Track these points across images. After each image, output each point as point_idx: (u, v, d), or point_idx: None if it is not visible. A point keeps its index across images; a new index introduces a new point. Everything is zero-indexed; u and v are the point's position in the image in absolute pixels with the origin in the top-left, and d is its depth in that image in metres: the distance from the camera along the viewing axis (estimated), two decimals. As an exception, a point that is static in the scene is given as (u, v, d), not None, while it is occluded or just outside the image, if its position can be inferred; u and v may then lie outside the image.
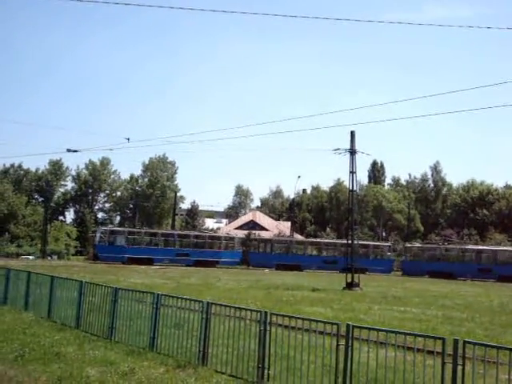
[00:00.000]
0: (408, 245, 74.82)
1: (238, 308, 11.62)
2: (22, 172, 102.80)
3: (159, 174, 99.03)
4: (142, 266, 55.14)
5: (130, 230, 67.54)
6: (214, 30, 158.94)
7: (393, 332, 9.19)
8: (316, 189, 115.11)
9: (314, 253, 71.51)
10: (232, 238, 70.37)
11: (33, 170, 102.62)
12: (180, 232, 70.86)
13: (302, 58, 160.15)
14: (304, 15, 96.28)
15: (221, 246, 67.55)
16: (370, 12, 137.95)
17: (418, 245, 74.77)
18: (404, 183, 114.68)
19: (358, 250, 46.69)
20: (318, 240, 78.34)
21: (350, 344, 9.05)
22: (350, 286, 37.72)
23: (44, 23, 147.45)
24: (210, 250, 65.70)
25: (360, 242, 72.68)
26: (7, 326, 15.04)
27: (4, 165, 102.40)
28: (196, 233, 71.12)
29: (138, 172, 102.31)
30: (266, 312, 10.56)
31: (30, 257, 69.80)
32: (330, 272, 63.75)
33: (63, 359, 11.48)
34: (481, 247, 71.17)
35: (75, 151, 43.41)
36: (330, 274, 59.81)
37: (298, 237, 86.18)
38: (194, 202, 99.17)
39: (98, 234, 64.77)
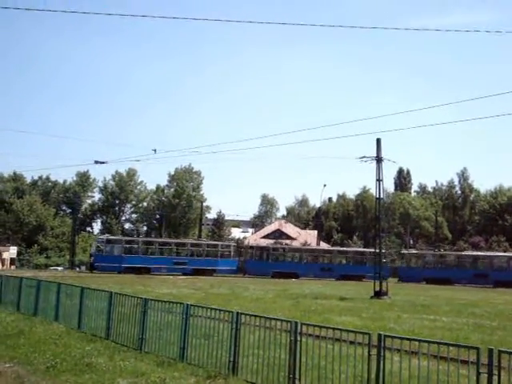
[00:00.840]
0: (404, 251, 75.22)
1: (268, 318, 11.59)
2: (50, 184, 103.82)
3: (185, 184, 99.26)
4: (164, 276, 55.37)
5: (127, 238, 66.85)
6: (236, 40, 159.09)
7: (425, 341, 9.09)
8: (342, 197, 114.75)
9: (311, 261, 70.01)
10: (228, 246, 69.12)
11: (61, 181, 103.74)
12: (177, 240, 71.01)
13: (325, 66, 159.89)
14: (330, 24, 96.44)
15: (217, 254, 66.20)
16: (398, 19, 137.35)
17: (413, 251, 74.75)
18: (431, 190, 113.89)
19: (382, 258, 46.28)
20: (314, 247, 77.67)
21: (381, 354, 8.97)
22: (378, 294, 37.43)
23: (76, 36, 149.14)
24: (208, 259, 64.57)
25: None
26: (38, 337, 15.17)
27: (32, 177, 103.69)
28: (193, 241, 70.61)
29: (164, 182, 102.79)
30: (296, 322, 10.51)
31: (59, 268, 70.38)
32: (327, 279, 63.26)
33: (94, 370, 11.53)
34: (477, 253, 71.81)
35: (103, 163, 43.82)
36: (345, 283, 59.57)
37: (324, 245, 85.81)
38: (220, 212, 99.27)
39: (94, 243, 63.88)
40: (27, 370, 11.52)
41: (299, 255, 70.68)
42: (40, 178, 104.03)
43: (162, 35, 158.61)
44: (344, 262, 69.88)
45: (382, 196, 42.05)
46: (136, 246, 62.70)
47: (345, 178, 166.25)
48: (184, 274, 60.00)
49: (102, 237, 64.40)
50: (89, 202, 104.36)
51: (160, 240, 69.38)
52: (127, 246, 62.30)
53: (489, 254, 69.50)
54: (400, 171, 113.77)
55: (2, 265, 61.81)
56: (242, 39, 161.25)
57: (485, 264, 66.47)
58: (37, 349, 13.47)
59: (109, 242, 62.54)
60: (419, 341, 9.09)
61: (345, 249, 75.67)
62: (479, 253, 71.65)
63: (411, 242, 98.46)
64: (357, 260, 69.39)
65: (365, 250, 75.03)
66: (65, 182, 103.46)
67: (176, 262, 62.14)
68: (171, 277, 56.19)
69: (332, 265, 67.97)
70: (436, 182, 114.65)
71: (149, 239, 69.97)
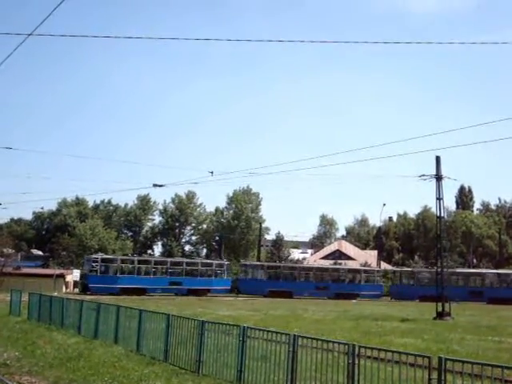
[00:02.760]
0: (397, 269, 75.12)
1: (325, 340, 11.42)
2: (111, 208, 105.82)
3: (243, 205, 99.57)
4: (221, 298, 55.42)
5: (123, 257, 62.78)
6: (298, 61, 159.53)
7: (488, 365, 8.76)
8: (403, 216, 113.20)
9: (305, 279, 68.24)
10: (221, 265, 65.66)
11: (122, 205, 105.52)
12: (172, 259, 67.84)
13: (381, 85, 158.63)
14: (383, 40, 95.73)
15: (212, 273, 63.60)
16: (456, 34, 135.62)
17: (406, 269, 74.21)
18: (494, 208, 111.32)
19: (449, 279, 45.40)
20: (309, 266, 75.42)
21: (442, 377, 8.70)
22: (440, 315, 36.61)
23: (128, 67, 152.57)
24: (203, 278, 62.11)
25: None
26: (98, 360, 15.31)
27: (94, 201, 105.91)
28: (188, 260, 68.06)
29: (222, 204, 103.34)
30: (353, 344, 10.31)
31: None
32: (322, 298, 62.58)
33: (152, 393, 11.54)
34: (470, 270, 72.44)
35: (161, 186, 44.14)
36: (379, 302, 58.61)
37: (386, 266, 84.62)
38: (279, 233, 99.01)
39: (86, 263, 60.31)
40: (86, 393, 11.61)
41: (295, 273, 68.50)
42: (102, 202, 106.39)
43: (217, 54, 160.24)
44: (340, 280, 68.20)
45: (442, 215, 41.34)
46: (131, 265, 59.57)
47: (405, 197, 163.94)
48: (177, 295, 57.39)
49: (95, 256, 60.31)
50: (149, 224, 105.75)
51: (156, 259, 67.29)
52: (122, 265, 59.28)
53: (481, 271, 71.63)
54: (461, 189, 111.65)
55: (66, 287, 62.71)
56: (296, 59, 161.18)
57: (477, 281, 67.68)
58: (96, 371, 13.59)
59: (103, 261, 58.97)
60: (482, 364, 8.78)
61: (340, 267, 74.15)
62: (472, 270, 73.51)
63: (474, 261, 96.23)
64: (351, 279, 68.96)
65: (360, 268, 75.02)
66: (126, 205, 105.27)
67: (171, 282, 59.67)
68: (230, 298, 56.25)
69: (327, 283, 66.58)
70: (499, 199, 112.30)
71: (144, 258, 65.67)
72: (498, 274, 67.97)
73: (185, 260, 66.97)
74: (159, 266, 61.34)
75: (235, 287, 65.92)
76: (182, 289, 59.39)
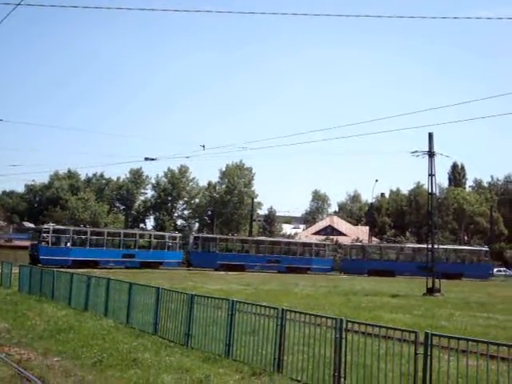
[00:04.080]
0: (347, 244, 78.69)
1: (313, 315, 11.46)
2: (103, 181, 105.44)
3: (236, 180, 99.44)
4: (233, 272, 55.60)
5: (76, 228, 59.70)
6: (297, 35, 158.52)
7: (474, 341, 8.81)
8: (395, 192, 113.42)
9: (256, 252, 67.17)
10: (174, 238, 64.81)
11: (114, 178, 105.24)
12: (125, 231, 64.45)
13: (376, 60, 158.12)
14: (377, 14, 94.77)
15: (164, 246, 62.42)
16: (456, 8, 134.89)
17: (356, 243, 78.74)
18: (486, 185, 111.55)
19: (440, 255, 45.73)
20: (261, 239, 73.63)
21: (428, 353, 8.75)
22: (430, 291, 36.83)
23: (118, 35, 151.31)
24: (155, 251, 60.82)
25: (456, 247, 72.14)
26: (88, 332, 15.34)
27: (86, 174, 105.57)
28: (141, 232, 67.13)
29: (215, 179, 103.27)
30: (341, 319, 10.35)
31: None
32: (272, 272, 62.97)
33: (140, 365, 11.58)
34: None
35: (153, 159, 44.11)
36: (332, 276, 59.16)
37: (377, 241, 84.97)
38: (271, 208, 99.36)
39: (36, 233, 57.32)
40: (74, 365, 11.63)
41: (246, 246, 68.17)
42: (94, 175, 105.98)
43: (219, 26, 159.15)
44: (292, 254, 68.01)
45: (435, 191, 41.44)
46: (84, 237, 57.25)
47: (397, 174, 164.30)
48: (129, 268, 55.30)
49: (47, 226, 56.99)
50: (142, 198, 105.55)
51: (109, 230, 63.99)
52: (75, 236, 56.87)
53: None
54: (454, 166, 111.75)
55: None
56: (297, 34, 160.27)
57: None
58: (85, 343, 13.61)
59: (55, 231, 56.02)
60: (468, 340, 8.83)
61: (292, 240, 74.43)
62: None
63: (466, 238, 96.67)
64: (302, 252, 69.21)
65: (312, 241, 75.21)
66: (118, 179, 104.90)
67: (124, 255, 58.07)
68: (222, 272, 56.42)
69: (280, 257, 66.56)
70: (491, 176, 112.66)
71: (98, 229, 63.43)
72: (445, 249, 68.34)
73: (138, 232, 65.49)
74: (112, 238, 59.45)
75: (187, 260, 64.90)
76: (134, 261, 57.81)
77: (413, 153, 39.36)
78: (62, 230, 57.75)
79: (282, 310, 11.73)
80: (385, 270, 64.24)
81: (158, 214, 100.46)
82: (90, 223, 78.09)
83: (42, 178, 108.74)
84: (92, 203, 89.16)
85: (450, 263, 65.03)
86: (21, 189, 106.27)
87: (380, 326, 10.04)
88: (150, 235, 64.14)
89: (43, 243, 53.85)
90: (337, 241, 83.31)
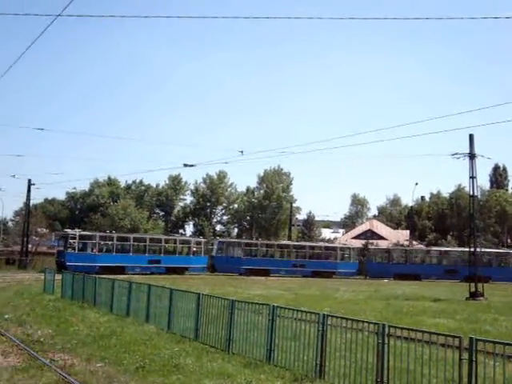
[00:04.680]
0: (372, 247, 77.03)
1: (355, 320, 11.37)
2: (143, 188, 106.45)
3: (274, 185, 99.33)
4: (261, 277, 55.57)
5: (102, 234, 59.00)
6: (326, 40, 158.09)
7: (520, 345, 8.64)
8: (436, 195, 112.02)
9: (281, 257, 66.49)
10: (199, 243, 64.40)
11: (153, 185, 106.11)
12: (151, 236, 63.90)
13: (413, 62, 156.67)
14: (416, 16, 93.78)
15: (190, 251, 61.51)
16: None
17: (381, 247, 75.99)
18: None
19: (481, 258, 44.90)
20: (286, 243, 71.98)
21: (473, 358, 8.60)
22: (473, 295, 36.25)
23: (160, 42, 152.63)
24: (181, 257, 60.17)
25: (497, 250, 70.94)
26: (130, 338, 15.49)
27: (126, 181, 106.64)
28: (166, 237, 65.30)
29: (253, 184, 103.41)
30: (383, 324, 10.25)
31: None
32: (297, 277, 61.30)
33: (182, 371, 11.64)
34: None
35: (192, 165, 44.37)
36: (440, 284, 58.08)
37: (418, 245, 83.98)
38: (310, 213, 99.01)
39: (62, 239, 57.61)
40: (117, 370, 11.76)
41: (271, 251, 67.06)
42: (133, 182, 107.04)
43: (242, 31, 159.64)
44: (316, 258, 66.78)
45: (476, 194, 40.84)
46: (110, 242, 56.87)
47: (437, 177, 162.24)
48: (154, 274, 54.69)
49: (73, 232, 56.26)
50: (181, 204, 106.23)
51: (135, 236, 62.43)
52: (101, 242, 56.38)
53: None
54: (496, 168, 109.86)
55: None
56: (326, 39, 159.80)
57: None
58: (127, 349, 13.75)
59: (82, 237, 55.50)
60: (514, 345, 8.67)
61: (316, 244, 72.88)
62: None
63: (508, 240, 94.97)
64: (327, 256, 68.11)
65: (336, 245, 74.01)
66: (157, 185, 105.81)
67: (150, 261, 57.20)
68: (262, 278, 56.37)
69: (304, 261, 65.52)
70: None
71: (124, 235, 62.38)
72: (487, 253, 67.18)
73: (163, 237, 64.55)
74: (137, 243, 58.75)
75: (211, 265, 64.01)
76: (160, 267, 57.12)
77: (453, 155, 38.79)
78: (89, 235, 57.34)
79: (324, 315, 11.67)
80: (411, 273, 63.31)
81: (197, 219, 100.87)
82: (131, 230, 78.85)
83: (83, 186, 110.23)
84: (132, 210, 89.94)
85: (492, 267, 63.80)
86: (62, 196, 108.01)
87: (423, 331, 9.93)
88: (175, 240, 63.55)
89: (70, 249, 53.72)
90: (377, 245, 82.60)
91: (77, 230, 58.05)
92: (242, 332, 13.71)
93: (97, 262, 53.00)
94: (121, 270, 52.14)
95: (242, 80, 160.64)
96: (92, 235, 57.36)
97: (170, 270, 56.62)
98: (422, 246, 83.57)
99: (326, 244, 74.55)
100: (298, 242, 76.78)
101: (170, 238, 64.91)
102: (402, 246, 77.15)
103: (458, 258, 66.44)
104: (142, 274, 51.87)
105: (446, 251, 70.08)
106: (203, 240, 67.03)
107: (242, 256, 63.61)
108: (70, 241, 54.09)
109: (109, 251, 56.06)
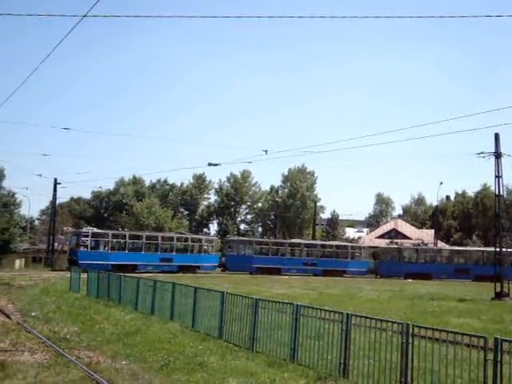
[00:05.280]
0: (385, 246, 77.68)
1: (379, 319, 11.35)
2: (167, 187, 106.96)
3: (299, 184, 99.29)
4: (283, 276, 55.59)
5: (114, 232, 58.87)
6: (351, 40, 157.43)
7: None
8: (461, 195, 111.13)
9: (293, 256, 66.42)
10: (211, 241, 64.52)
11: (178, 184, 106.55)
12: (163, 234, 63.82)
13: (438, 62, 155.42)
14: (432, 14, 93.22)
15: (201, 249, 61.27)
16: None
17: (393, 246, 76.59)
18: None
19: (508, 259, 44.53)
20: (297, 241, 71.60)
21: (498, 359, 8.54)
22: (499, 296, 35.93)
23: (171, 41, 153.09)
24: (192, 255, 59.79)
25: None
26: (154, 336, 15.60)
27: (151, 180, 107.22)
28: (178, 235, 64.90)
29: (277, 183, 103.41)
30: (407, 324, 10.22)
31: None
32: (308, 275, 61.09)
33: (206, 369, 11.70)
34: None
35: (216, 165, 44.56)
36: (461, 283, 57.57)
37: (443, 245, 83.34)
38: (334, 212, 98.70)
39: (74, 237, 57.58)
40: (142, 368, 11.86)
41: (282, 249, 66.39)
42: (158, 181, 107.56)
43: (263, 31, 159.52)
44: (327, 256, 66.75)
45: (502, 193, 40.47)
46: (123, 240, 56.89)
47: (463, 176, 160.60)
48: (165, 272, 53.75)
49: (86, 230, 56.61)
50: (205, 203, 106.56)
51: (147, 234, 61.83)
52: (114, 240, 56.33)
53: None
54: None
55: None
56: (351, 39, 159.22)
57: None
58: (152, 347, 13.86)
59: (94, 235, 55.48)
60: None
61: (327, 243, 72.25)
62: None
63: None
64: (338, 255, 67.76)
65: (347, 244, 73.88)
66: (182, 184, 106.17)
67: (162, 259, 57.23)
68: (286, 276, 56.37)
69: (316, 259, 65.51)
70: None
71: (136, 233, 61.87)
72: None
73: (175, 235, 64.24)
74: (149, 242, 58.57)
75: (223, 263, 64.31)
76: (172, 265, 57.01)
77: (479, 154, 38.49)
78: (101, 233, 57.27)
79: (347, 314, 11.66)
80: (422, 272, 63.37)
81: (221, 218, 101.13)
82: (155, 229, 79.23)
83: (108, 185, 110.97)
84: (156, 208, 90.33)
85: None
86: (88, 195, 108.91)
87: (448, 331, 9.88)
88: (187, 238, 63.12)
89: (82, 247, 53.70)
90: (401, 244, 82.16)
91: (89, 228, 58.53)
92: (266, 331, 13.74)
93: (109, 260, 52.69)
94: (133, 268, 52.06)
95: (268, 79, 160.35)
96: (104, 233, 57.39)
97: (182, 268, 56.72)
98: (445, 245, 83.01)
99: (337, 243, 74.28)
100: (317, 240, 76.71)
101: (182, 236, 64.69)
102: (426, 245, 76.53)
103: (469, 258, 66.73)
104: (154, 273, 51.35)
105: (457, 250, 70.63)
106: (215, 238, 67.34)
107: (253, 254, 63.55)
108: (83, 239, 54.20)
109: (121, 249, 56.10)
